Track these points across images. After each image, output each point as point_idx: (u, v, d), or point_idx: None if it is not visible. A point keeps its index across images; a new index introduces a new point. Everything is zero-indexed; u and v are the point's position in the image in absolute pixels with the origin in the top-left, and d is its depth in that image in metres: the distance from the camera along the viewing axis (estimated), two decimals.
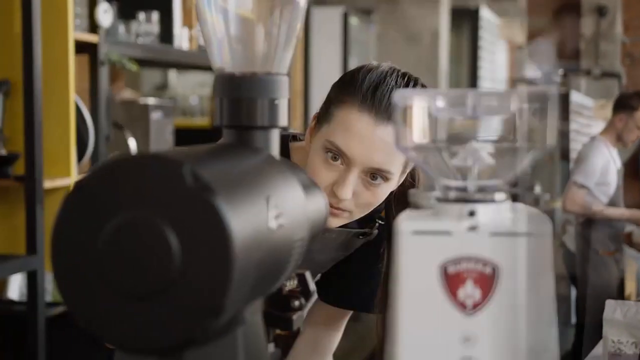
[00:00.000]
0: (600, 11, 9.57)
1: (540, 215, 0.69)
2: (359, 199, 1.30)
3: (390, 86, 1.29)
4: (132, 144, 3.13)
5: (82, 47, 2.74)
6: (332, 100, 1.33)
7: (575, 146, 6.65)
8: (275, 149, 0.79)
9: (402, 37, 6.19)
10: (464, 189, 0.68)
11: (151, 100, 3.38)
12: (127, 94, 4.40)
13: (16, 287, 2.93)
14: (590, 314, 4.27)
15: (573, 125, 6.72)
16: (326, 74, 6.02)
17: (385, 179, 1.29)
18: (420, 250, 0.66)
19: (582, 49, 9.55)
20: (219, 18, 0.78)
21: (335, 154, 1.28)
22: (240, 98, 0.77)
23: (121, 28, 3.04)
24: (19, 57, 2.43)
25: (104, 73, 2.79)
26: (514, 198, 0.70)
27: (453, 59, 7.74)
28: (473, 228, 0.65)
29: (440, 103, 0.68)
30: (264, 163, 0.74)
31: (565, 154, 6.85)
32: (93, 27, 2.78)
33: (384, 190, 1.32)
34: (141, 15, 3.13)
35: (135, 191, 0.61)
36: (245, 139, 0.77)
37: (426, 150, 0.69)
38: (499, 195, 0.68)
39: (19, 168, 2.49)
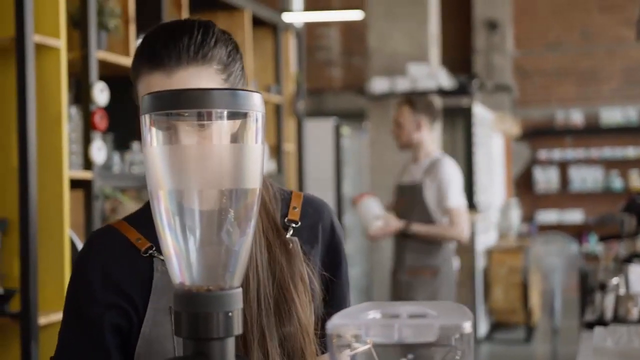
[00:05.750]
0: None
1: None
2: None
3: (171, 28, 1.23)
4: None
5: (77, 183, 2.84)
6: (133, 80, 1.25)
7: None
8: (230, 355, 0.87)
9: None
10: None
11: None
12: (130, 206, 4.47)
13: None
14: None
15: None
16: (321, 184, 6.14)
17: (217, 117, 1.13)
18: None
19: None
20: (178, 241, 0.87)
21: None
22: (197, 313, 0.85)
23: (116, 158, 3.15)
24: (15, 196, 2.54)
25: (97, 207, 2.89)
26: None
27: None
28: None
29: (370, 330, 0.76)
30: None
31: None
32: (88, 163, 2.88)
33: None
34: (135, 145, 3.25)
35: None
36: (202, 350, 0.85)
37: None
38: None
39: (14, 304, 2.56)
